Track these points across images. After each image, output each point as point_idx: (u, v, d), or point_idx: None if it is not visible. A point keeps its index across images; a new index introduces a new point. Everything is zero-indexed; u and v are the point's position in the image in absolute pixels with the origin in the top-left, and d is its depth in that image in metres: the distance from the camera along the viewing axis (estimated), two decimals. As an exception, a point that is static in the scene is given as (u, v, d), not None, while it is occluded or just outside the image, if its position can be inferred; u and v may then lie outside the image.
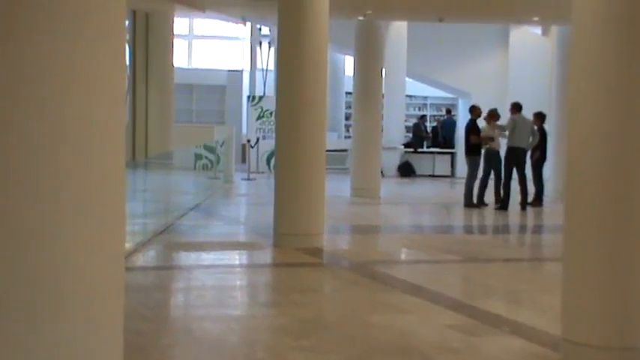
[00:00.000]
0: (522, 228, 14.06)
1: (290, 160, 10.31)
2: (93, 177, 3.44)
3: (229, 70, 26.47)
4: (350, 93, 21.18)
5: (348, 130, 24.53)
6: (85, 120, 3.41)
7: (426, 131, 24.09)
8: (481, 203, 15.24)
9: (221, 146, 19.25)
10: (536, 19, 18.34)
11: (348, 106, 24.09)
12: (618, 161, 5.47)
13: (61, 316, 3.38)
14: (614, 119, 5.46)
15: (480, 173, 15.25)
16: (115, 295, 3.63)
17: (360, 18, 17.07)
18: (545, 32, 23.91)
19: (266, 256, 10.14)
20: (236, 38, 28.02)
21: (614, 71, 5.45)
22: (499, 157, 15.08)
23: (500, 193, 15.00)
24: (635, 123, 5.45)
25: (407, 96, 23.88)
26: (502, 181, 14.96)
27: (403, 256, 10.93)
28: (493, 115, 15.31)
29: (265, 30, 25.96)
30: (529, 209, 15.12)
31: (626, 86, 5.44)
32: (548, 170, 16.51)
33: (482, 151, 15.16)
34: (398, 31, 21.98)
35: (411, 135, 23.87)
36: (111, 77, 3.53)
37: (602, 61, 5.48)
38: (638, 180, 5.47)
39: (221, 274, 8.99)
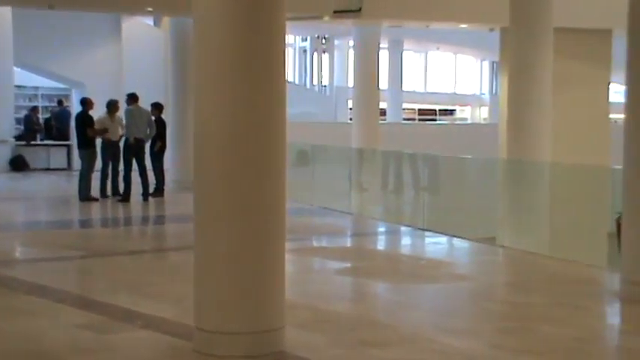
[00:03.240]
0: (145, 219, 14.04)
1: None
2: None
3: None
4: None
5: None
6: None
7: (39, 123, 23.06)
8: (103, 196, 15.00)
9: None
10: (150, 9, 18.36)
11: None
12: (242, 154, 5.61)
13: None
14: (238, 114, 5.60)
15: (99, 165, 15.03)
16: None
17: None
18: (157, 23, 24.09)
19: None
20: None
21: (232, 67, 5.58)
22: (119, 148, 14.92)
23: (119, 185, 14.89)
24: (256, 118, 5.63)
25: (16, 86, 22.65)
26: (122, 172, 14.82)
27: (23, 255, 10.33)
28: (115, 105, 15.12)
29: None
30: (151, 200, 15.14)
31: (247, 82, 5.59)
32: (167, 161, 16.67)
33: (101, 143, 14.93)
34: (2, 17, 20.72)
35: (22, 127, 22.67)
36: None
37: (222, 56, 5.60)
38: (262, 172, 5.67)
39: None
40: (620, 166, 7.92)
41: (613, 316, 7.67)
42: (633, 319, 7.17)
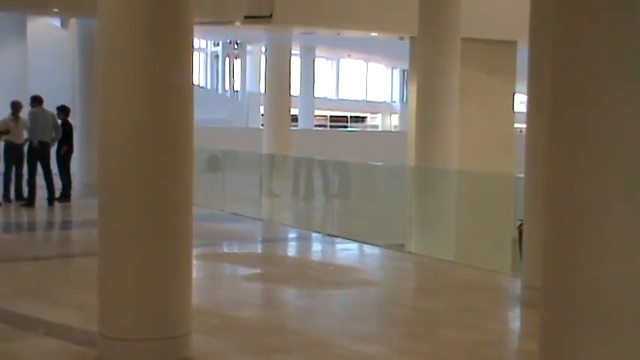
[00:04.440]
0: (50, 224, 13.73)
1: None
2: None
3: None
4: None
5: None
6: None
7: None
8: (6, 200, 14.62)
9: None
10: (56, 10, 18.00)
11: None
12: (147, 159, 5.56)
13: None
14: (144, 118, 5.53)
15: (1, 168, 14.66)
16: None
17: None
18: (64, 24, 23.64)
19: None
20: None
21: (137, 70, 5.53)
22: (22, 152, 14.55)
23: (22, 189, 14.55)
24: (162, 123, 5.56)
25: None
26: (26, 176, 14.48)
27: None
28: (19, 107, 14.75)
29: None
30: (57, 204, 14.81)
31: (153, 85, 5.54)
32: (75, 165, 16.34)
33: (4, 146, 14.56)
34: None
35: None
36: None
37: (128, 60, 5.54)
38: (168, 177, 5.62)
39: None
40: (523, 174, 8.15)
41: (514, 320, 7.88)
42: (532, 323, 7.37)
